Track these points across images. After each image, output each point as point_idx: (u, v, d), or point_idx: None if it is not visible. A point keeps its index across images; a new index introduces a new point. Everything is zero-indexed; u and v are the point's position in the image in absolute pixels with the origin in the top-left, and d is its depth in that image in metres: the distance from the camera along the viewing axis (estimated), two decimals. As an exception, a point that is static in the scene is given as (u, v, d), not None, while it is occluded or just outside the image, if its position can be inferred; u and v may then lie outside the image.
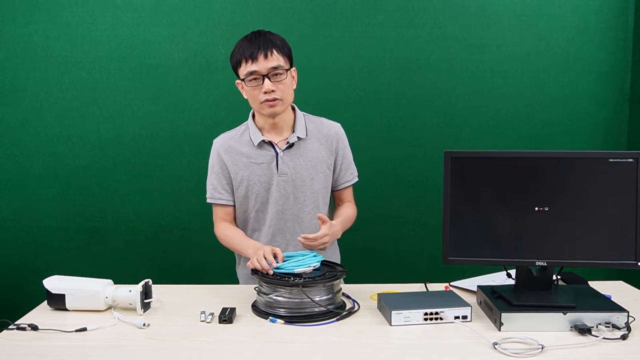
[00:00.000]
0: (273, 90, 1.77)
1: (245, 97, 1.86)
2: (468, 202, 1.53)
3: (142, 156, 2.72)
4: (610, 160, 1.49)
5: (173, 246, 2.75)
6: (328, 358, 1.30)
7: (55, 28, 2.63)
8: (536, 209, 1.50)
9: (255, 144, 1.88)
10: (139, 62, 2.66)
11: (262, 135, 1.88)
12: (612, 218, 1.49)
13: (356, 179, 2.01)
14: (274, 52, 1.77)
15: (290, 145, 1.87)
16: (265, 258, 1.61)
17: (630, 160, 1.47)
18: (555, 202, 1.50)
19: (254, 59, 1.75)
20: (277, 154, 1.87)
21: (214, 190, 1.93)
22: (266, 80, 1.77)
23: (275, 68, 1.77)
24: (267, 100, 1.78)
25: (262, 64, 1.76)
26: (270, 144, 1.88)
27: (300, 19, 2.64)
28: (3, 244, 2.75)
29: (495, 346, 1.32)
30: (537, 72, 2.73)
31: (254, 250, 1.68)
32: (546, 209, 1.50)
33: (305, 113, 1.95)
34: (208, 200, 1.96)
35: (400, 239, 2.77)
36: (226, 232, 1.93)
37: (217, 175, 1.93)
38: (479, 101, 2.74)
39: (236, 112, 2.68)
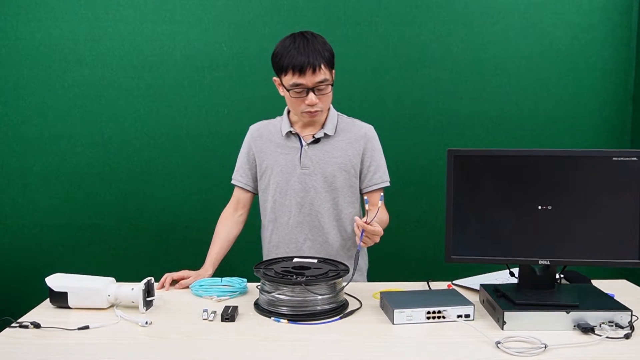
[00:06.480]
0: (316, 103, 1.78)
1: (281, 94, 1.86)
2: (471, 201, 1.52)
3: (144, 154, 2.72)
4: (614, 158, 1.48)
5: (175, 244, 2.76)
6: (330, 356, 1.29)
7: (58, 25, 2.63)
8: (539, 207, 1.49)
9: (283, 134, 1.91)
10: (141, 60, 2.66)
11: (292, 127, 1.91)
12: (616, 217, 1.48)
13: (386, 184, 1.96)
14: (322, 66, 1.75)
15: (317, 140, 1.89)
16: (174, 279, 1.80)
17: (634, 158, 1.46)
18: (558, 200, 1.49)
19: (301, 72, 1.74)
20: (302, 146, 1.89)
21: (236, 172, 2.02)
22: (311, 93, 1.77)
23: (321, 82, 1.77)
24: (309, 112, 1.80)
25: (309, 78, 1.75)
26: (297, 136, 1.90)
27: (303, 17, 2.64)
28: (5, 242, 2.76)
29: (498, 345, 1.32)
30: (540, 70, 2.73)
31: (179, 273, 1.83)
32: (549, 207, 1.49)
33: (339, 113, 1.96)
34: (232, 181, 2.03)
35: (403, 237, 2.77)
36: (219, 226, 1.99)
37: (242, 158, 2.00)
38: (482, 99, 2.74)
39: (238, 110, 2.70)
